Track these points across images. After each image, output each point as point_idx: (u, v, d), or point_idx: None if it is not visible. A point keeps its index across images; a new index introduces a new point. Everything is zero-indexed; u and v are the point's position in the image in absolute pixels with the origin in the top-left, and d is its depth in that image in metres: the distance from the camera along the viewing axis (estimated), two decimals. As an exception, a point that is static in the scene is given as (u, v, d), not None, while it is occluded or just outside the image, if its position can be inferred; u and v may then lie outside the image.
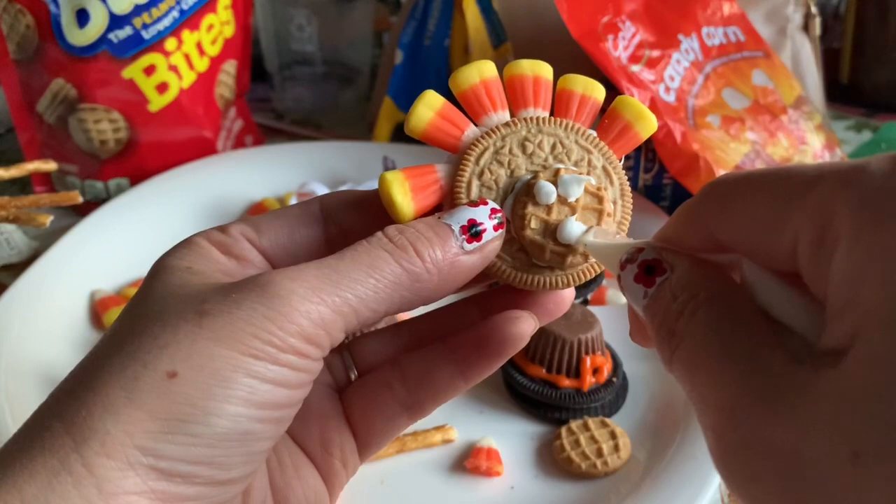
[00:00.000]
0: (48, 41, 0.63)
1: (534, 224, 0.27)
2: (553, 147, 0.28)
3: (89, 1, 0.62)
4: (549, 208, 0.27)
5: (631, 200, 0.28)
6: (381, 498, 0.43)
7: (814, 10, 0.74)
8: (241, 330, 0.22)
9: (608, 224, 0.27)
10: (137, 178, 0.68)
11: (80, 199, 0.53)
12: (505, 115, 0.29)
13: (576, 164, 0.28)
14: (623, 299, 0.55)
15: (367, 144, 0.73)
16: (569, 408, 0.46)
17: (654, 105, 0.59)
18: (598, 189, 0.27)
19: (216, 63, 0.71)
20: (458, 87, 0.28)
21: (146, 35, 0.64)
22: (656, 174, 0.63)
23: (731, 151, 0.60)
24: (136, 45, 0.64)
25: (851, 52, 0.86)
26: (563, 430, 0.45)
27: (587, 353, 0.47)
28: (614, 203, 0.28)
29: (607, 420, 0.46)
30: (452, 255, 0.25)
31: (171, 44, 0.66)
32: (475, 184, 0.27)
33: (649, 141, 0.61)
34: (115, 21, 0.63)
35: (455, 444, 0.46)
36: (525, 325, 0.27)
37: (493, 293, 0.29)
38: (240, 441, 0.22)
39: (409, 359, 0.28)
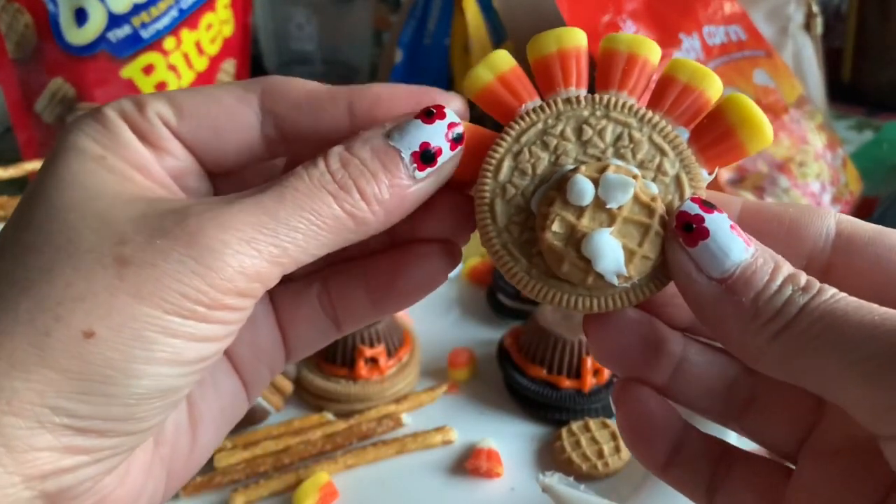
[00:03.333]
0: (47, 40, 0.63)
1: (556, 226, 0.22)
2: (618, 138, 0.23)
3: (88, 0, 0.61)
4: (580, 211, 0.22)
5: None
6: (381, 499, 0.43)
7: (815, 9, 0.74)
8: (167, 287, 0.20)
9: (652, 243, 0.22)
10: (136, 177, 0.68)
11: (79, 199, 0.53)
12: (578, 94, 0.24)
13: (641, 164, 0.23)
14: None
15: (367, 144, 0.73)
16: (569, 409, 0.46)
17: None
18: (653, 199, 0.22)
19: (215, 62, 0.71)
20: (532, 55, 0.24)
21: (145, 34, 0.64)
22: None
23: (733, 151, 0.60)
24: (135, 45, 0.64)
25: (853, 52, 0.86)
26: (564, 431, 0.45)
27: (588, 353, 0.46)
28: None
29: (608, 421, 0.46)
30: (401, 189, 0.22)
31: (169, 43, 0.65)
32: (507, 164, 0.23)
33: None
34: (114, 20, 0.63)
35: (455, 446, 0.45)
36: (439, 271, 0.26)
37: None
38: (160, 397, 0.21)
39: (334, 276, 0.27)
